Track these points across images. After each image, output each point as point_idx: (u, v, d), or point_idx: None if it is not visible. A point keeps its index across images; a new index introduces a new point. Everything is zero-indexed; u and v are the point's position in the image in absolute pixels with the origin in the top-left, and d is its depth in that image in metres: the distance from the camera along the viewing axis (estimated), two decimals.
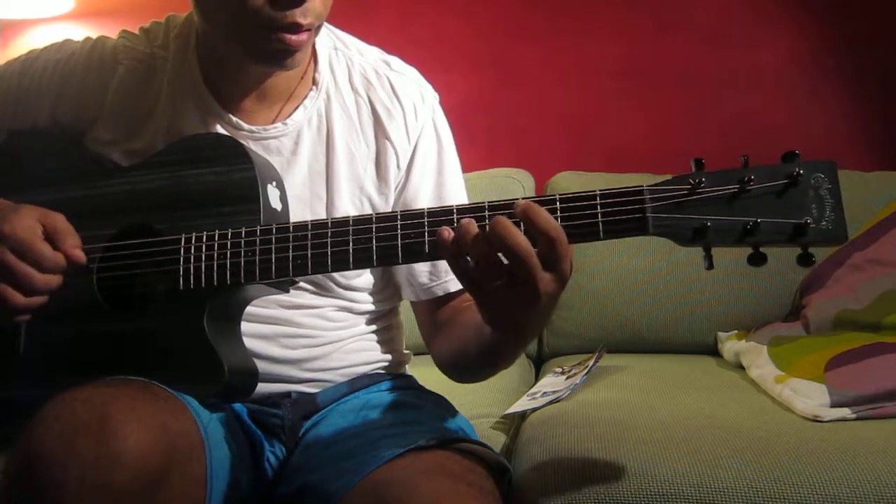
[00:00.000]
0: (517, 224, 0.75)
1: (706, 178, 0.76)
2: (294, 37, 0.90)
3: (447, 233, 0.77)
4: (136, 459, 0.73)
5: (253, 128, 1.01)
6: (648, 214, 0.76)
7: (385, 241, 0.83)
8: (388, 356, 1.12)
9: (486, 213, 0.80)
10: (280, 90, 1.02)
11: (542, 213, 0.75)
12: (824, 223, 0.73)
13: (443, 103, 1.12)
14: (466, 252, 0.76)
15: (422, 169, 1.07)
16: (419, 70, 1.11)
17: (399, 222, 0.83)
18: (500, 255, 0.75)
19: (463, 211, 0.81)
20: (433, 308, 1.09)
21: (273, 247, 0.87)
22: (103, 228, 0.94)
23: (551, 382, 1.55)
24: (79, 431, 0.73)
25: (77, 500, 0.71)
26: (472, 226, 0.76)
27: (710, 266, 0.77)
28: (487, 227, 0.74)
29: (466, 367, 1.03)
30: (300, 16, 0.88)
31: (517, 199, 0.79)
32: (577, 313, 1.87)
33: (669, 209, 0.76)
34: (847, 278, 1.67)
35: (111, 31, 1.07)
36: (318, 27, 0.94)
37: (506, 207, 0.79)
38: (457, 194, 1.09)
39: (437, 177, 1.08)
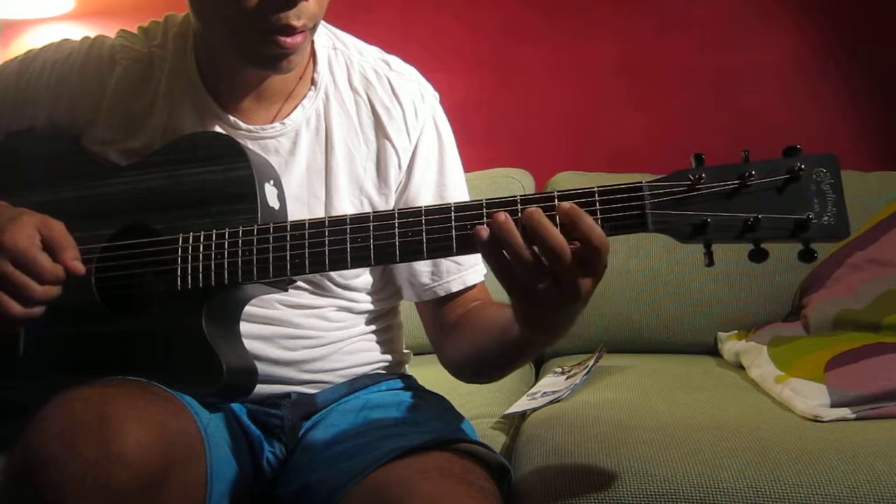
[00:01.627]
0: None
1: (706, 174, 0.75)
2: (289, 39, 0.89)
3: (484, 231, 0.76)
4: (137, 459, 0.73)
5: (251, 127, 1.01)
6: (647, 211, 0.76)
7: (383, 239, 0.83)
8: (388, 356, 1.12)
9: (484, 209, 0.79)
10: (278, 90, 1.02)
11: (587, 219, 0.74)
12: (826, 218, 0.73)
13: (443, 103, 1.11)
14: (504, 249, 0.75)
15: (423, 169, 1.07)
16: (419, 70, 1.11)
17: (397, 220, 0.82)
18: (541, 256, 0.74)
19: (461, 209, 0.80)
20: (436, 308, 1.09)
21: (270, 246, 0.86)
22: (101, 228, 0.94)
23: (551, 382, 1.55)
24: (79, 431, 0.73)
25: (77, 500, 0.71)
26: (508, 222, 0.75)
27: (711, 263, 0.77)
28: (522, 222, 0.74)
29: (483, 368, 1.03)
30: (294, 18, 0.88)
31: (516, 196, 0.78)
32: None
33: (669, 205, 0.76)
34: (847, 278, 1.67)
35: (111, 31, 1.06)
36: (314, 27, 0.94)
37: (507, 205, 0.79)
38: (458, 193, 1.09)
39: (439, 176, 1.08)
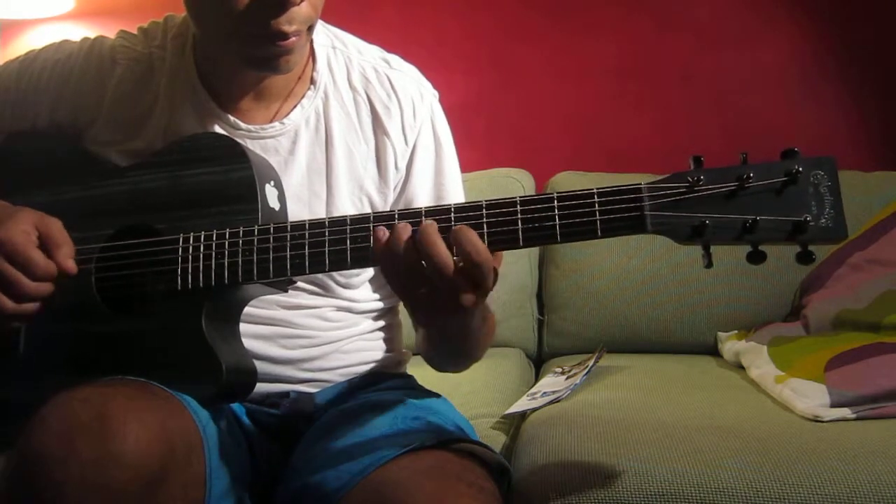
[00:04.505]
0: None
1: (704, 176, 0.75)
2: (282, 42, 0.89)
3: (382, 232, 0.81)
4: (136, 459, 0.73)
5: (250, 127, 1.01)
6: (646, 213, 0.76)
7: None
8: (388, 355, 1.12)
9: (484, 210, 0.80)
10: (277, 90, 1.02)
11: (472, 236, 0.78)
12: (824, 220, 0.73)
13: (443, 103, 1.12)
14: (398, 254, 0.79)
15: (421, 169, 1.07)
16: (419, 70, 1.11)
17: (397, 221, 0.82)
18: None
19: (461, 210, 0.81)
20: None
21: (271, 246, 0.86)
22: (102, 228, 0.94)
23: (551, 382, 1.55)
24: (78, 431, 0.73)
25: (77, 500, 0.71)
26: (406, 230, 0.79)
27: (710, 264, 0.77)
28: (417, 235, 0.78)
29: (432, 359, 1.07)
30: (285, 23, 0.88)
31: (516, 197, 0.79)
32: (577, 313, 1.87)
33: (667, 207, 0.76)
34: (847, 278, 1.67)
35: (111, 31, 1.07)
36: (311, 28, 0.94)
37: (504, 206, 0.79)
38: (455, 194, 1.09)
39: (436, 177, 1.08)
